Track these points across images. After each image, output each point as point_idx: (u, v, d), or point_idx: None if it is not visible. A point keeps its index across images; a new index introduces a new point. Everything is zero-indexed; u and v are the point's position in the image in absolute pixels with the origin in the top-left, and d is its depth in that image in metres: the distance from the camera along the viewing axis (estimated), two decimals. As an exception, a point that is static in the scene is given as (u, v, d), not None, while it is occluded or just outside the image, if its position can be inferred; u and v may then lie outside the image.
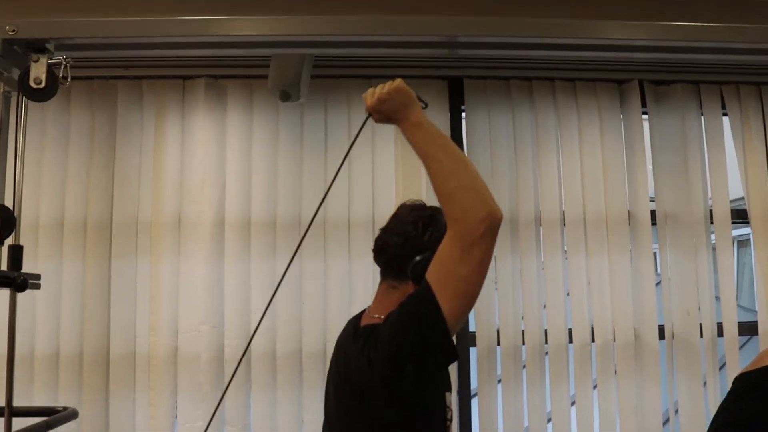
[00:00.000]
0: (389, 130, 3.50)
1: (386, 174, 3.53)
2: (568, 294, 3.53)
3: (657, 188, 3.63)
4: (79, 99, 3.50)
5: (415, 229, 1.89)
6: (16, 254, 2.25)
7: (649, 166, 3.66)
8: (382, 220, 3.45)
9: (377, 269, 2.02)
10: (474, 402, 3.52)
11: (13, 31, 2.25)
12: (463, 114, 3.66)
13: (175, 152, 3.49)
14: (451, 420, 1.90)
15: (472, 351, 3.52)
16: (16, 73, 2.32)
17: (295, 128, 3.52)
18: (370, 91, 1.89)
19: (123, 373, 3.40)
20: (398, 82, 1.86)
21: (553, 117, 3.62)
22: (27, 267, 3.41)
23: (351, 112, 3.55)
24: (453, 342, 1.71)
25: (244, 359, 3.27)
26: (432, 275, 1.70)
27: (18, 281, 2.13)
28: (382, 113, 1.87)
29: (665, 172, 3.65)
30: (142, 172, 3.49)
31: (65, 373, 3.40)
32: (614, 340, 3.52)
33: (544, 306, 3.53)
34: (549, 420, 3.49)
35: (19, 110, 2.38)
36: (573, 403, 3.49)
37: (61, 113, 3.49)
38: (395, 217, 1.99)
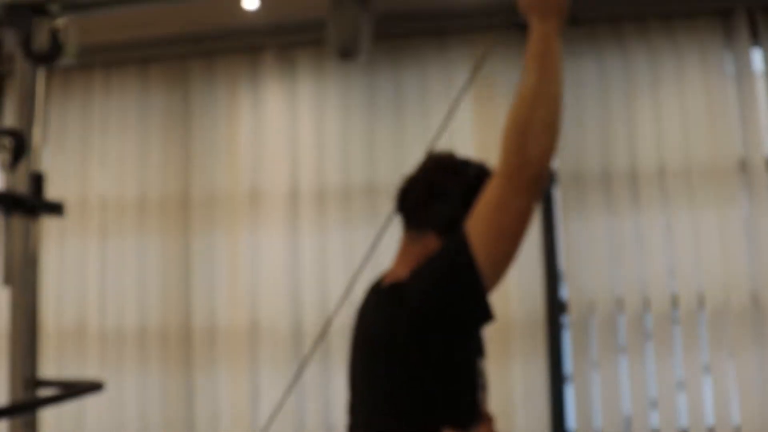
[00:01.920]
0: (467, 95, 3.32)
1: (463, 136, 3.33)
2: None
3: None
4: (156, 79, 3.56)
5: (440, 176, 1.69)
6: (36, 181, 2.21)
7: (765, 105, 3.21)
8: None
9: None
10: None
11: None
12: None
13: (248, 125, 3.48)
14: (484, 389, 1.68)
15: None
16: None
17: (366, 93, 3.40)
18: None
19: (205, 347, 3.41)
20: None
21: (645, 59, 3.26)
22: (112, 244, 3.53)
23: (425, 73, 3.38)
24: (488, 300, 1.49)
25: (323, 332, 3.20)
26: (470, 224, 1.49)
27: (30, 203, 2.11)
28: (536, 7, 1.54)
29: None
30: (217, 147, 3.51)
31: (153, 349, 3.47)
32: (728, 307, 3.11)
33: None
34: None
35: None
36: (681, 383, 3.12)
37: (139, 95, 3.57)
38: (421, 165, 1.77)
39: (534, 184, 1.44)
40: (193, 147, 3.53)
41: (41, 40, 2.20)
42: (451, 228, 1.57)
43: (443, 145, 3.23)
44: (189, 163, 3.53)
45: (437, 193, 1.66)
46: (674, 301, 3.15)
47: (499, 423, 3.13)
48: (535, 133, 1.45)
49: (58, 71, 3.57)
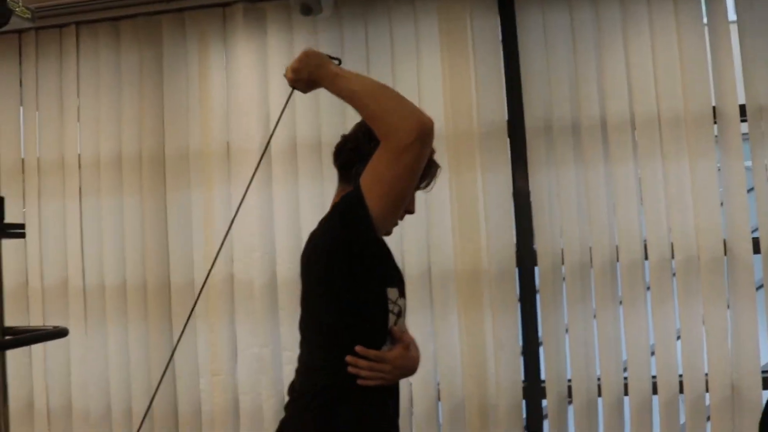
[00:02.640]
0: (434, 43, 3.32)
1: (433, 88, 3.33)
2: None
3: (746, 79, 3.14)
4: (127, 37, 3.60)
5: (365, 137, 1.94)
6: None
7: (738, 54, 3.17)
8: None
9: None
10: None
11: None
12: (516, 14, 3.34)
13: (219, 81, 3.51)
14: (398, 315, 1.91)
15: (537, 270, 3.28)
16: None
17: (335, 47, 3.38)
18: (286, 68, 1.99)
19: (183, 302, 3.48)
20: (305, 49, 1.97)
21: (617, 7, 3.22)
22: (88, 204, 3.59)
23: (392, 25, 3.37)
24: (379, 236, 1.85)
25: (296, 285, 3.26)
26: (363, 179, 1.81)
27: None
28: (302, 81, 1.96)
29: (758, 60, 3.14)
30: (190, 104, 3.55)
31: (133, 303, 3.55)
32: (699, 257, 3.12)
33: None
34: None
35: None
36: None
37: (111, 54, 3.61)
38: (355, 126, 2.04)
39: (411, 145, 1.73)
40: (167, 104, 3.56)
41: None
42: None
43: (413, 98, 3.29)
44: (163, 120, 3.56)
45: (361, 154, 1.91)
46: (645, 252, 3.17)
47: (474, 371, 3.22)
48: (383, 117, 1.77)
49: (29, 34, 3.61)
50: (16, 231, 2.36)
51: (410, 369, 1.97)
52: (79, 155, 3.66)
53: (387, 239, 1.94)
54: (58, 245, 3.65)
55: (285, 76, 1.99)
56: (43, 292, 3.67)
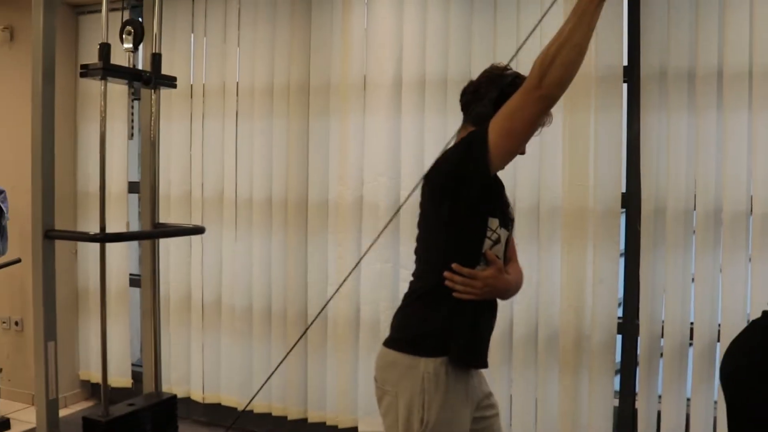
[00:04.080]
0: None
1: (555, 30, 3.45)
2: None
3: None
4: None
5: (483, 83, 2.21)
6: (156, 60, 2.77)
7: None
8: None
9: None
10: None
11: None
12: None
13: (359, 20, 3.84)
14: (495, 242, 2.16)
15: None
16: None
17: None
18: None
19: (318, 217, 3.93)
20: None
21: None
22: (244, 126, 4.12)
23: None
24: (491, 173, 2.07)
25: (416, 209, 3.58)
26: (495, 119, 2.02)
27: (145, 76, 2.67)
28: None
29: None
30: (333, 40, 3.91)
31: (276, 215, 4.05)
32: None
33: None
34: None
35: None
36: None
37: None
38: (481, 74, 2.28)
39: (543, 101, 1.92)
40: (313, 39, 3.95)
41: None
42: (482, 122, 2.07)
43: (534, 45, 3.48)
44: (309, 53, 3.96)
45: (478, 96, 2.20)
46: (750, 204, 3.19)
47: (572, 303, 3.41)
48: (555, 67, 1.88)
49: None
50: (170, 82, 2.87)
51: (501, 290, 2.19)
52: (237, 83, 4.17)
53: (501, 173, 2.19)
54: (216, 161, 4.21)
55: None
56: (203, 201, 4.26)
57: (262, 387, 3.43)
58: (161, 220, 3.24)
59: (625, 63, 3.44)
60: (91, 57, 2.97)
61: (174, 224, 3.31)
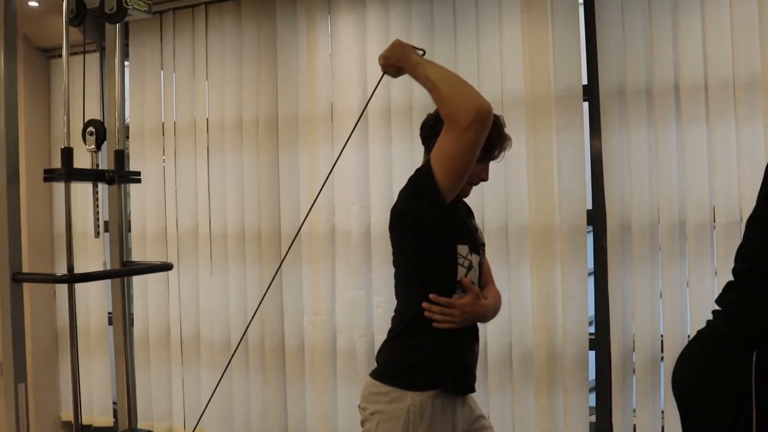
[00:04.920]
0: (516, 10, 3.53)
1: (513, 58, 3.54)
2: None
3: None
4: (248, 15, 4.11)
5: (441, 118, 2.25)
6: (118, 157, 2.83)
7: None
8: (511, 98, 3.53)
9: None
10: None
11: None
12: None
13: (324, 53, 3.93)
14: (468, 268, 2.21)
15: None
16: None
17: (425, 20, 3.70)
18: (379, 56, 2.32)
19: (292, 248, 3.94)
20: (394, 41, 2.31)
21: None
22: (216, 162, 4.16)
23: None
24: (443, 198, 2.12)
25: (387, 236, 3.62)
26: (433, 154, 2.14)
27: (107, 176, 2.72)
28: (391, 67, 2.30)
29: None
30: (299, 74, 3.98)
31: (250, 246, 4.09)
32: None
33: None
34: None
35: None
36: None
37: (234, 30, 4.12)
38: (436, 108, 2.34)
39: (470, 125, 2.00)
40: (280, 73, 4.02)
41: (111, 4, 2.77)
42: None
43: (494, 67, 3.53)
44: (276, 87, 4.03)
45: (435, 131, 2.20)
46: (713, 214, 3.23)
47: (543, 321, 3.43)
48: (449, 100, 2.07)
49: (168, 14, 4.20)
50: (134, 177, 2.92)
51: (479, 315, 2.24)
52: (207, 119, 4.24)
53: (468, 198, 2.31)
54: (189, 196, 4.25)
55: (378, 62, 2.32)
56: (178, 237, 4.29)
57: (204, 410, 3.36)
58: (137, 258, 3.28)
59: (585, 82, 3.51)
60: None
61: (142, 262, 3.37)
